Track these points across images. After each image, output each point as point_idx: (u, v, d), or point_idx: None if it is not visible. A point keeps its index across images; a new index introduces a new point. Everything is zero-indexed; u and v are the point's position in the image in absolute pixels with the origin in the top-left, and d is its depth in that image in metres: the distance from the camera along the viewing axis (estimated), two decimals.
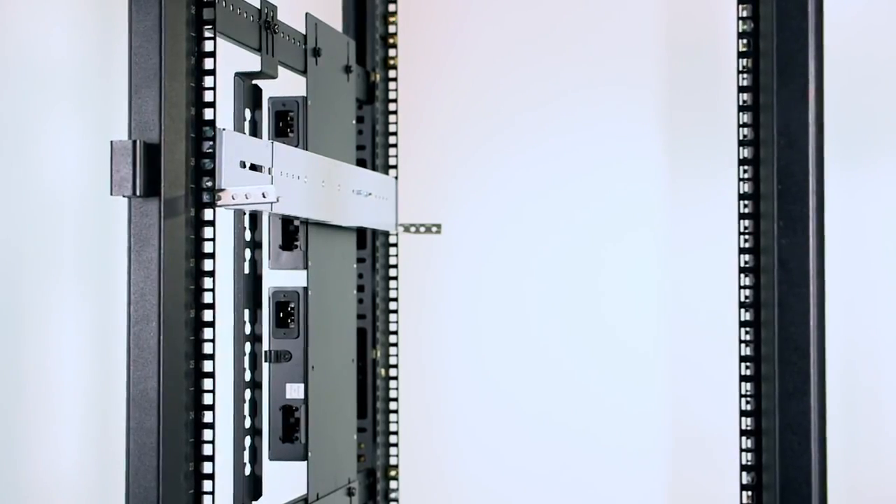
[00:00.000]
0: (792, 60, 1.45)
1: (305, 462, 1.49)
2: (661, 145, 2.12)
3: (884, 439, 2.05)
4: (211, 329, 1.24)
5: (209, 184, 1.23)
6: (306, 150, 1.50)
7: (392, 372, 1.93)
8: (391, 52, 1.94)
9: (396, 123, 1.93)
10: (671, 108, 2.12)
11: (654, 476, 2.12)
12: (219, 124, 1.25)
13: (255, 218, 1.46)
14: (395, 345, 1.93)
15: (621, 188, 2.13)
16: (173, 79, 1.19)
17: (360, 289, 1.86)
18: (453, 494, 2.18)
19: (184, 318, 1.21)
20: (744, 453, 1.52)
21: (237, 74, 1.41)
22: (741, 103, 1.53)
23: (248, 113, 1.42)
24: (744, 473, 1.52)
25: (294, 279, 1.51)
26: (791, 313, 1.45)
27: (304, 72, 1.54)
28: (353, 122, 1.73)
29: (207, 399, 1.23)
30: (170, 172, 1.18)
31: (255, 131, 1.44)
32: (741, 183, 1.53)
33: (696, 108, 2.10)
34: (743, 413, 1.52)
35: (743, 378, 1.52)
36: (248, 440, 1.42)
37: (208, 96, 1.24)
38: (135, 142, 1.16)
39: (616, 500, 2.13)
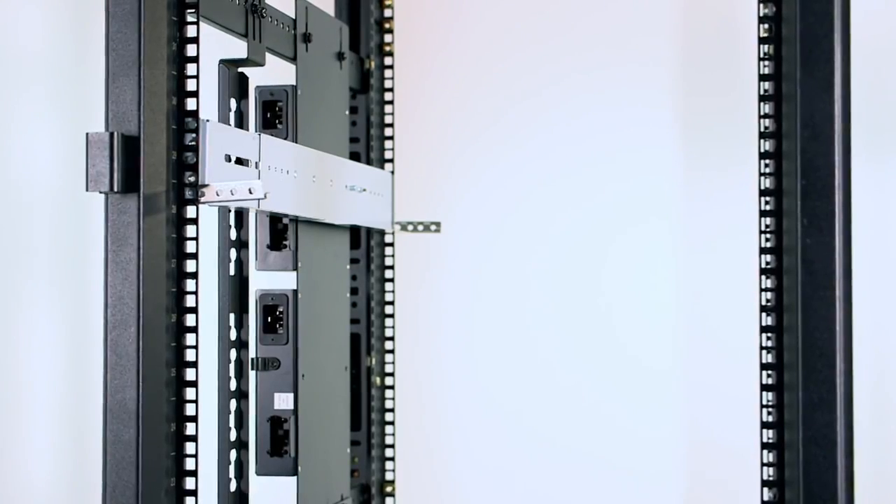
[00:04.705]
0: (817, 47, 1.45)
1: (295, 477, 1.49)
2: (675, 137, 2.12)
3: None
4: (194, 335, 1.24)
5: (192, 179, 1.23)
6: (296, 142, 1.50)
7: (388, 380, 1.93)
8: (387, 38, 1.94)
9: (392, 114, 1.93)
10: (687, 97, 2.12)
11: (669, 486, 2.12)
12: (202, 115, 1.25)
13: (241, 215, 1.46)
14: (392, 351, 1.93)
15: (633, 182, 2.13)
16: (153, 66, 1.19)
17: (354, 291, 1.86)
18: None
19: (165, 322, 1.21)
20: (765, 468, 1.52)
21: (222, 62, 1.41)
22: (762, 92, 1.53)
23: (233, 103, 1.42)
24: (765, 489, 1.52)
25: (283, 281, 1.52)
26: (816, 318, 1.45)
27: (293, 59, 1.54)
28: (347, 112, 1.73)
29: (190, 410, 1.23)
30: (149, 167, 1.18)
31: (242, 123, 1.44)
32: (762, 178, 1.53)
33: (714, 97, 2.10)
34: (764, 425, 1.52)
35: (764, 387, 1.52)
36: (233, 454, 1.42)
37: (191, 85, 1.24)
38: (112, 134, 1.16)
39: None
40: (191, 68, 1.24)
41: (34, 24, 1.97)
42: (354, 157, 1.85)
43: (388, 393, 1.93)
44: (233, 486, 1.41)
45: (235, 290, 1.44)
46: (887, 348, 2.04)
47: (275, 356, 1.49)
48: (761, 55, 1.53)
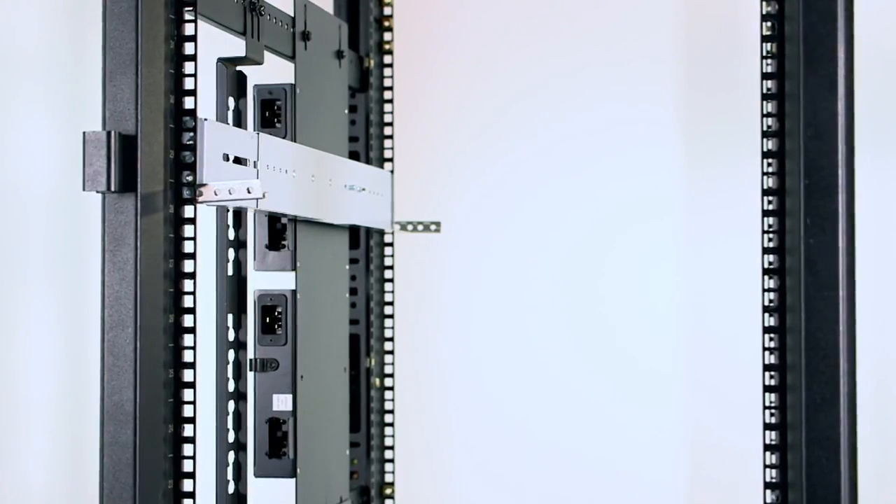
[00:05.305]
0: (820, 45, 1.45)
1: (294, 479, 1.49)
2: (677, 136, 2.12)
3: None
4: (192, 335, 1.24)
5: (190, 178, 1.23)
6: (294, 141, 1.50)
7: (387, 382, 1.93)
8: (386, 36, 1.94)
9: (392, 113, 1.93)
10: (689, 96, 2.12)
11: (671, 488, 2.12)
12: (200, 114, 1.25)
13: (239, 215, 1.46)
14: (391, 352, 1.93)
15: (634, 181, 2.13)
16: (151, 65, 1.19)
17: (353, 292, 1.86)
18: None
19: (162, 323, 1.21)
20: (768, 470, 1.52)
21: (220, 60, 1.41)
22: (765, 91, 1.53)
23: (231, 102, 1.42)
24: (768, 492, 1.52)
25: (281, 281, 1.51)
26: (819, 318, 1.45)
27: (292, 57, 1.54)
28: (346, 111, 1.73)
29: (188, 411, 1.23)
30: (147, 166, 1.18)
31: (240, 121, 1.43)
32: (765, 177, 1.53)
33: (717, 95, 2.10)
34: (767, 426, 1.52)
35: (767, 388, 1.52)
36: (231, 455, 1.42)
37: (189, 84, 1.24)
38: (109, 133, 1.16)
39: None
40: (188, 67, 1.24)
41: (31, 22, 1.97)
42: (354, 156, 1.85)
43: (388, 394, 1.92)
44: (231, 488, 1.41)
45: (234, 290, 1.44)
46: (891, 349, 2.04)
47: (273, 357, 1.49)
48: (764, 53, 1.52)
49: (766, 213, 1.53)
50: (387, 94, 1.93)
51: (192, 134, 1.23)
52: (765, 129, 1.52)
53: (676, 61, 2.12)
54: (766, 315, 1.52)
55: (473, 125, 2.17)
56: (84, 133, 1.16)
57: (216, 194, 1.24)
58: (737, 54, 2.06)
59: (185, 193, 1.23)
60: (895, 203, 2.04)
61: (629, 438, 2.12)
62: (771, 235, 1.52)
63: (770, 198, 1.52)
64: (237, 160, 1.32)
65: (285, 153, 1.46)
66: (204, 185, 1.24)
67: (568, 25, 2.16)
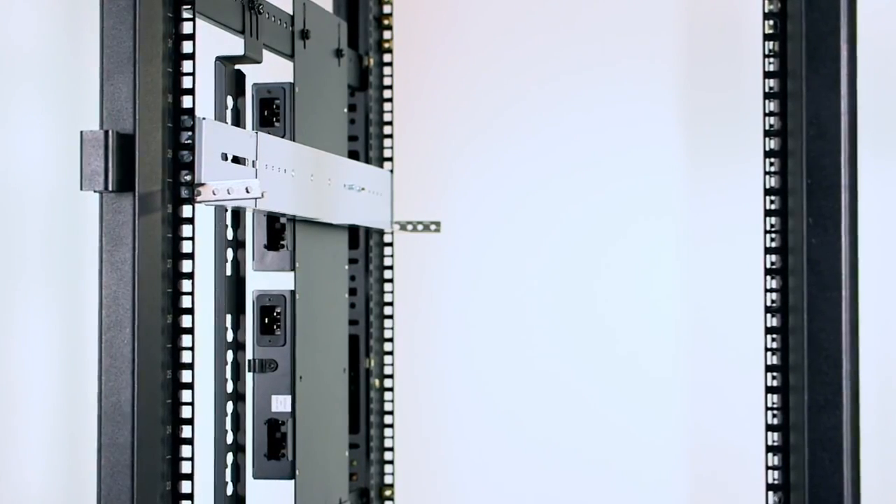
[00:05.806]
0: (822, 44, 1.45)
1: (293, 481, 1.49)
2: (679, 135, 2.12)
3: None
4: (190, 336, 1.24)
5: (188, 178, 1.23)
6: (293, 141, 1.50)
7: (387, 382, 1.93)
8: (386, 35, 1.94)
9: (392, 112, 1.93)
10: (691, 94, 2.12)
11: (672, 489, 2.12)
12: (198, 113, 1.25)
13: (237, 215, 1.45)
14: (391, 353, 1.93)
15: (635, 181, 2.12)
16: (149, 63, 1.19)
17: (353, 292, 1.86)
18: None
19: (160, 324, 1.21)
20: (770, 471, 1.52)
21: (218, 59, 1.41)
22: (767, 90, 1.52)
23: (230, 101, 1.42)
24: (770, 493, 1.52)
25: (280, 282, 1.51)
26: (821, 319, 1.44)
27: (291, 56, 1.54)
28: (345, 110, 1.73)
29: (186, 412, 1.23)
30: (145, 165, 1.18)
31: (238, 121, 1.43)
32: (767, 177, 1.52)
33: (718, 94, 2.10)
34: (769, 427, 1.52)
35: (769, 389, 1.52)
36: (230, 457, 1.42)
37: (187, 82, 1.24)
38: (107, 132, 1.16)
39: None
40: (187, 65, 1.24)
41: (28, 20, 1.97)
42: (353, 155, 1.85)
43: (388, 395, 1.92)
44: (229, 490, 1.41)
45: (232, 290, 1.44)
46: (894, 349, 2.04)
47: (272, 358, 1.49)
48: (766, 52, 1.52)
49: (768, 213, 1.52)
50: (386, 93, 1.93)
51: (190, 133, 1.23)
52: (767, 128, 1.52)
53: (678, 60, 2.12)
54: (769, 315, 1.52)
55: (473, 124, 2.17)
56: (81, 132, 1.16)
57: (214, 194, 1.24)
58: (739, 53, 2.06)
59: (184, 193, 1.23)
60: None
61: (630, 439, 2.12)
62: (773, 235, 1.52)
63: (772, 197, 1.52)
64: (236, 159, 1.32)
65: (284, 152, 1.46)
66: (202, 184, 1.24)
67: (568, 24, 2.16)
